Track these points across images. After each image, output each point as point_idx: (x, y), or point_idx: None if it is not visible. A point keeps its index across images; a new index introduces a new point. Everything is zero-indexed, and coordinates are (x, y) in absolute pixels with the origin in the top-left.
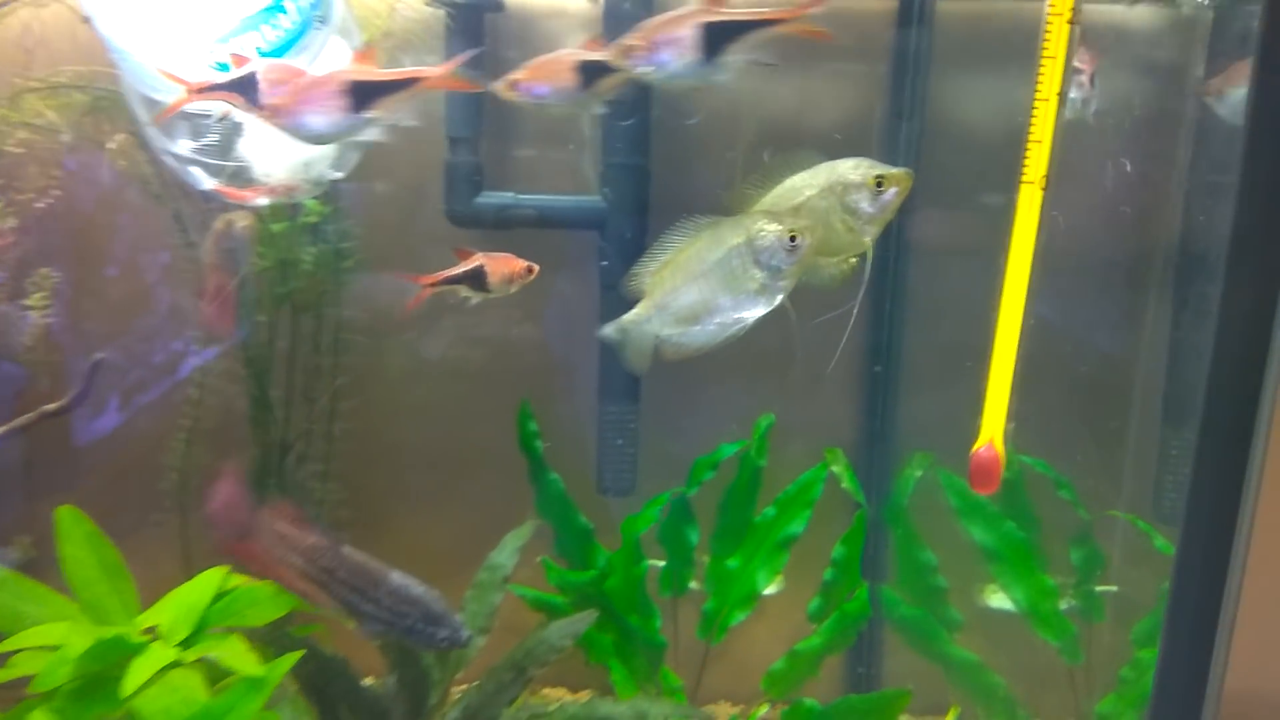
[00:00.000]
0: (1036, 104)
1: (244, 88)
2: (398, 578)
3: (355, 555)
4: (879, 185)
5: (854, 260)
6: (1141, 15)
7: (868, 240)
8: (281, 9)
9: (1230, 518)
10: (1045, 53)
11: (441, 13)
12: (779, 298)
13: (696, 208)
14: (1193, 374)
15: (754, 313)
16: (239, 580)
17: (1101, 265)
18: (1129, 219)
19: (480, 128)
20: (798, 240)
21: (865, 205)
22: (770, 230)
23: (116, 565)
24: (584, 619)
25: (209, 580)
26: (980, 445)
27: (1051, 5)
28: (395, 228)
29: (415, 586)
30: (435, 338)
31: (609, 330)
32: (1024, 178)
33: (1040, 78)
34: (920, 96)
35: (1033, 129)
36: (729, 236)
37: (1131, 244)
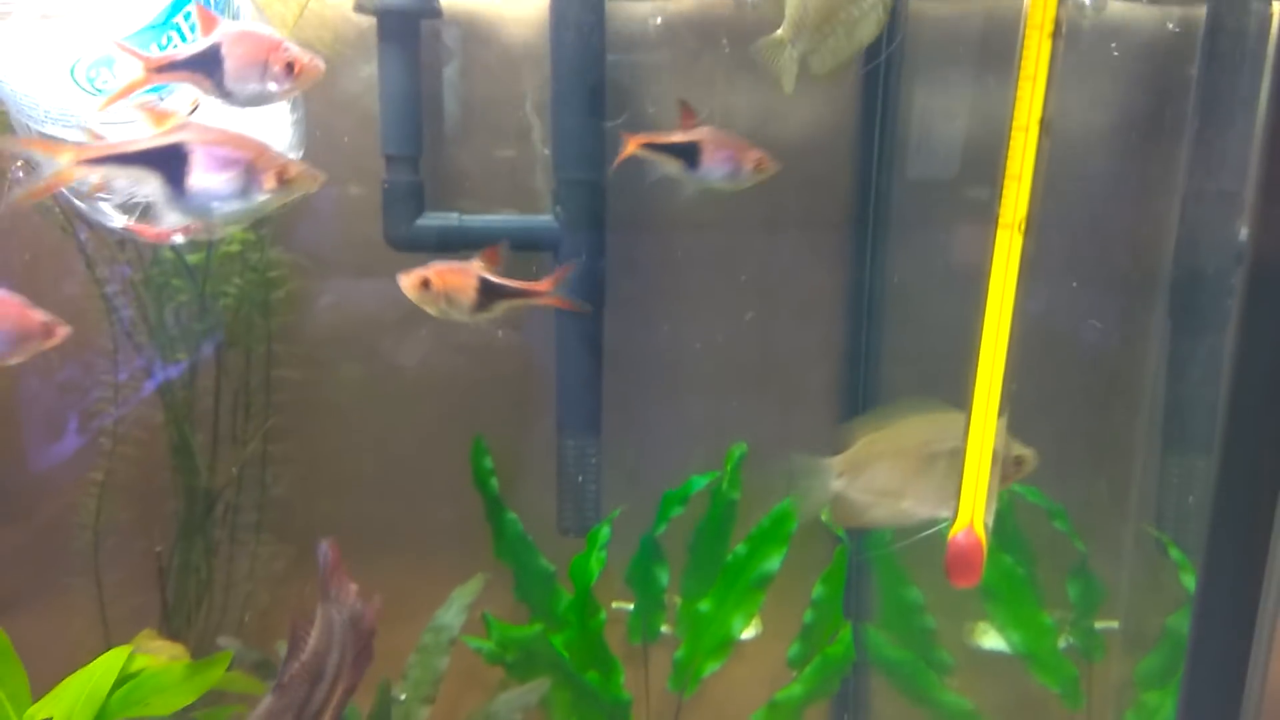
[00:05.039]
0: (1013, 133)
1: None
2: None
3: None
4: None
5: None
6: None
7: None
8: (173, 26)
9: (1259, 556)
10: (1023, 73)
11: (365, 20)
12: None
13: (657, 225)
14: (1194, 392)
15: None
16: (145, 661)
17: (1092, 275)
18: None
19: (420, 144)
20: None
21: None
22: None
23: (3, 650)
24: (534, 689)
25: (110, 663)
26: (959, 529)
27: (1029, 16)
28: (330, 253)
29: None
30: (382, 364)
31: (795, 459)
32: (1000, 219)
33: (1017, 103)
34: (894, 101)
35: (1009, 163)
36: (955, 436)
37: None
